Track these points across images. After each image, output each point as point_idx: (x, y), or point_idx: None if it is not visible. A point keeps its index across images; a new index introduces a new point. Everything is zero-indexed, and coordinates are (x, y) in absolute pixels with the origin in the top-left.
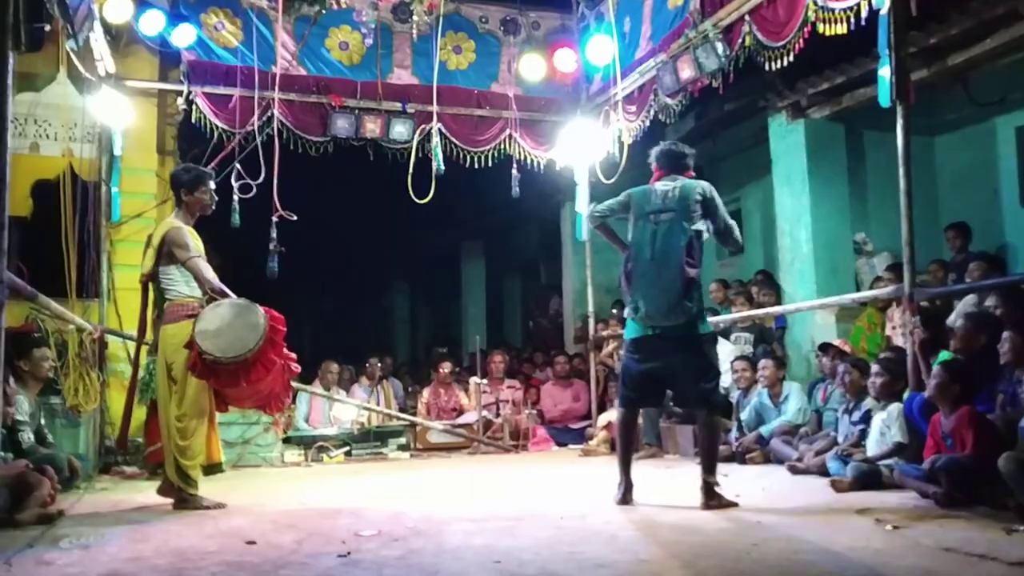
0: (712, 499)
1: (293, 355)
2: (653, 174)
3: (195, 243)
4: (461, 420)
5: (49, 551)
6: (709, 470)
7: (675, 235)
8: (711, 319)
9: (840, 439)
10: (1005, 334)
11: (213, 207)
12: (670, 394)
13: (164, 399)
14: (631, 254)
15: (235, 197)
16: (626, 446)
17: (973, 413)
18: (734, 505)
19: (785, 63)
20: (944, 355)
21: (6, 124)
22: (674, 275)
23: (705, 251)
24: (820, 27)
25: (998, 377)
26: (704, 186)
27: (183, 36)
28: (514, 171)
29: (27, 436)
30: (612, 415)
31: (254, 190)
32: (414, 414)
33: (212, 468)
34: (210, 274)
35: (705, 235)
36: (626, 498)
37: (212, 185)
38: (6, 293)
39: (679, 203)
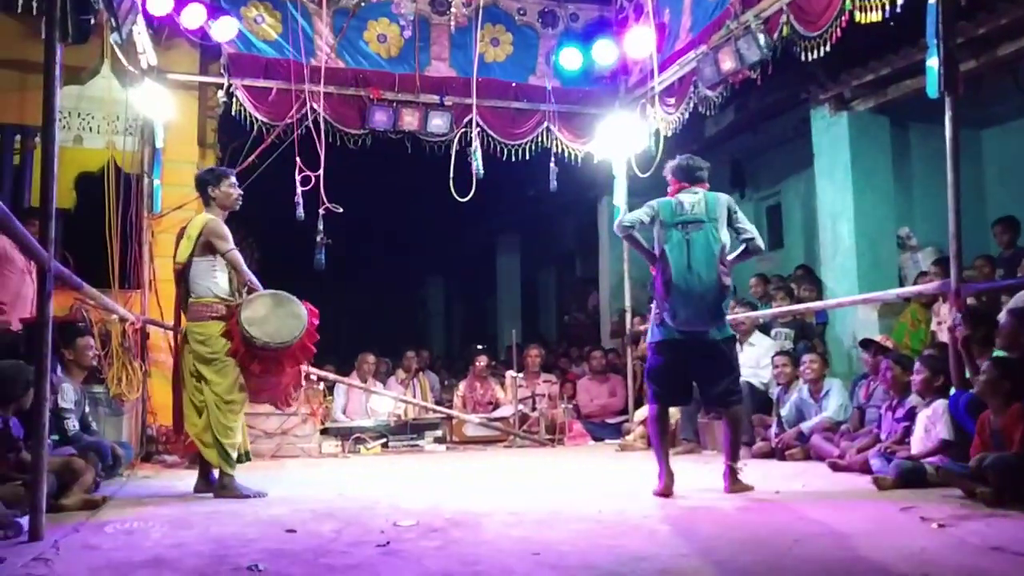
0: (736, 483)
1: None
2: (670, 186)
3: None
4: (497, 413)
5: (95, 535)
6: (733, 457)
7: (709, 244)
8: (752, 314)
9: (883, 436)
10: None
11: (240, 202)
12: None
13: (190, 390)
14: (666, 263)
15: (299, 191)
16: (662, 439)
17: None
18: (751, 488)
19: (822, 53)
20: (998, 353)
21: (54, 116)
22: (713, 283)
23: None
24: (857, 15)
25: None
26: (725, 198)
27: (224, 29)
28: (552, 164)
29: (72, 424)
30: (647, 411)
31: (313, 181)
32: (450, 407)
33: (240, 457)
34: (246, 268)
35: (728, 245)
36: (668, 489)
37: (235, 180)
38: (54, 283)
39: (707, 214)
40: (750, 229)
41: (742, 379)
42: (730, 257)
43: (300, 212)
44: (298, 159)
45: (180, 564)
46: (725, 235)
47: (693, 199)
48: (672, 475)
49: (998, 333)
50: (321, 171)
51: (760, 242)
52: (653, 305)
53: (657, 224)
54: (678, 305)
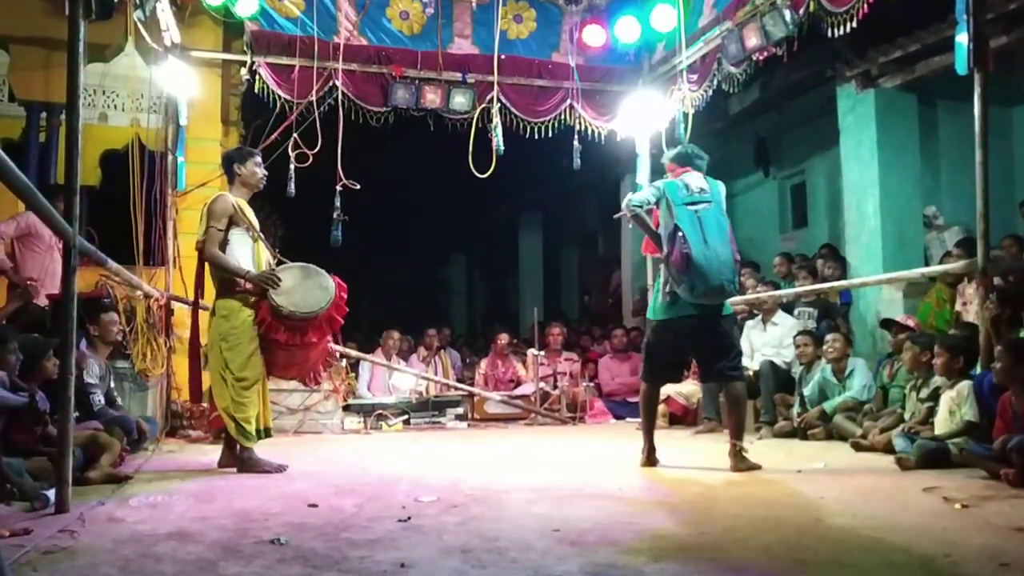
0: (742, 462)
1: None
2: (670, 173)
3: (245, 216)
4: (518, 391)
5: (120, 508)
6: (737, 436)
7: (719, 221)
8: (775, 293)
9: (907, 416)
10: None
11: (264, 181)
12: None
13: (217, 364)
14: (683, 239)
15: (291, 166)
16: (650, 415)
17: None
18: (758, 467)
19: (848, 29)
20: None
21: (78, 93)
22: (728, 258)
23: (769, 225)
24: None
25: None
26: (722, 184)
27: (246, 6)
28: (575, 142)
29: (98, 399)
30: (671, 388)
31: (310, 159)
32: (472, 385)
33: (259, 432)
34: (220, 259)
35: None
36: (650, 460)
37: (260, 160)
38: (79, 259)
39: (713, 196)
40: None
41: (765, 358)
42: None
43: (291, 188)
44: (295, 135)
45: (203, 537)
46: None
47: (696, 180)
48: (654, 449)
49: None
50: (339, 148)
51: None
52: (660, 283)
53: (664, 204)
54: (696, 279)
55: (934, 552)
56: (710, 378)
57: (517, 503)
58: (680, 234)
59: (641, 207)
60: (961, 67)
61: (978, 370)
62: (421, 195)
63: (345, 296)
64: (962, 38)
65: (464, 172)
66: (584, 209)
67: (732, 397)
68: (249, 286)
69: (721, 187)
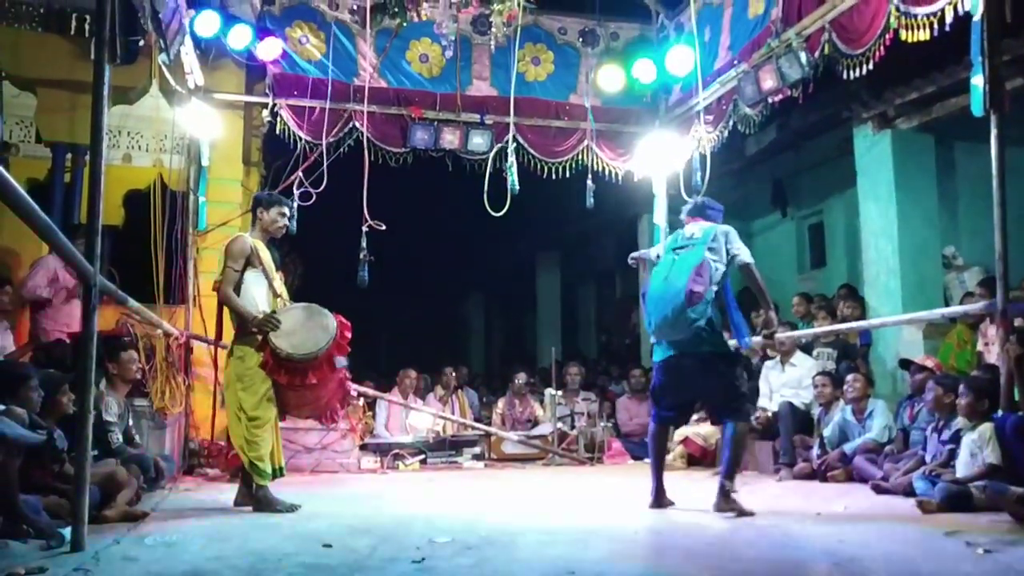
0: (726, 503)
1: (348, 373)
2: (687, 221)
3: (262, 257)
4: (536, 431)
5: (135, 547)
6: (729, 476)
7: (690, 259)
8: (793, 334)
9: (928, 458)
10: None
11: (284, 230)
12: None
13: (233, 403)
14: (649, 278)
15: (294, 204)
16: (658, 456)
17: None
18: (750, 514)
19: (864, 72)
20: None
21: (102, 135)
22: (679, 288)
23: (786, 265)
24: (903, 34)
25: None
26: (725, 228)
27: (269, 50)
28: (589, 182)
29: (116, 436)
30: (689, 430)
31: (313, 198)
32: (489, 424)
33: (274, 471)
34: (232, 300)
35: (721, 268)
36: (659, 501)
37: (287, 211)
38: (100, 297)
39: (701, 240)
40: (734, 247)
41: (784, 399)
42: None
43: (293, 226)
44: (300, 174)
45: None
46: (715, 256)
47: (695, 229)
48: (663, 491)
49: None
50: (365, 188)
51: (744, 256)
52: None
53: (664, 249)
54: (650, 313)
55: None
56: (714, 419)
57: (532, 545)
58: (651, 274)
59: (643, 256)
60: (977, 108)
61: (999, 412)
62: (439, 234)
63: (349, 335)
64: (977, 80)
65: (482, 211)
66: (602, 248)
67: (730, 435)
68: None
69: (717, 233)
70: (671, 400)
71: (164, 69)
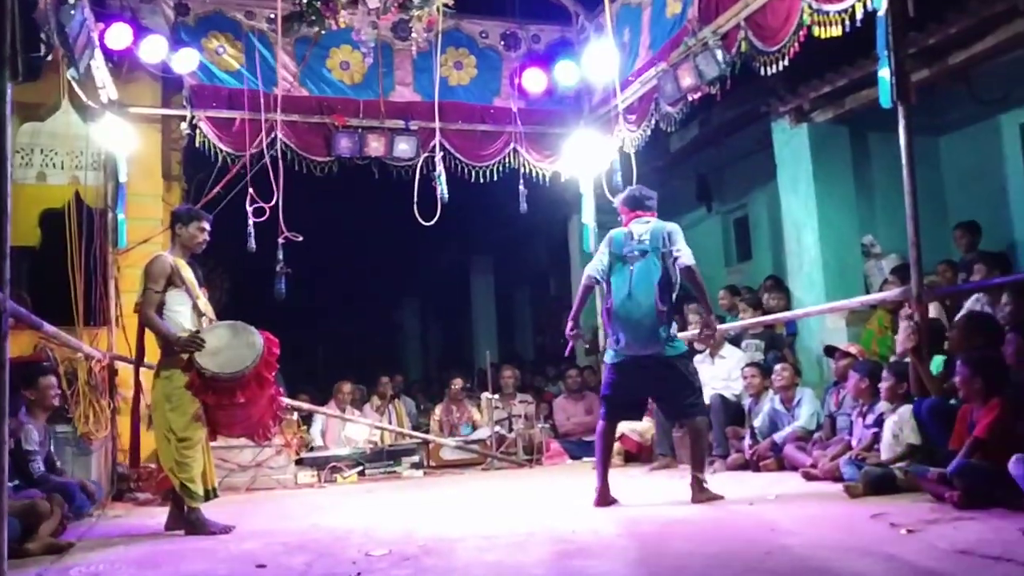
0: (702, 493)
1: (280, 389)
2: (622, 216)
3: (184, 275)
4: (474, 436)
5: None
6: (698, 468)
7: (649, 273)
8: (721, 327)
9: (854, 443)
10: (1009, 335)
11: (204, 245)
12: None
13: (161, 425)
14: (610, 292)
15: (250, 221)
16: (604, 454)
17: (1001, 404)
18: (720, 498)
19: (780, 67)
20: (937, 360)
21: (6, 154)
22: (650, 308)
23: (714, 259)
24: (815, 30)
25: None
26: (669, 226)
27: (185, 61)
28: (521, 186)
29: (37, 466)
30: (625, 427)
31: (268, 213)
32: (427, 431)
33: (207, 493)
34: (154, 323)
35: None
36: (604, 500)
37: (206, 225)
38: (9, 323)
39: (651, 243)
40: (676, 248)
41: (715, 392)
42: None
43: (252, 244)
44: (251, 189)
45: None
46: (670, 262)
47: (642, 229)
48: (608, 488)
49: (948, 337)
50: (277, 200)
51: (685, 259)
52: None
53: (610, 256)
54: (620, 330)
55: None
56: (670, 416)
57: (470, 552)
58: (609, 288)
59: (595, 278)
60: (885, 100)
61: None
62: (372, 242)
63: (277, 352)
64: (885, 73)
65: (413, 218)
66: (534, 250)
67: (692, 431)
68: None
69: (664, 231)
70: (624, 399)
71: (74, 84)
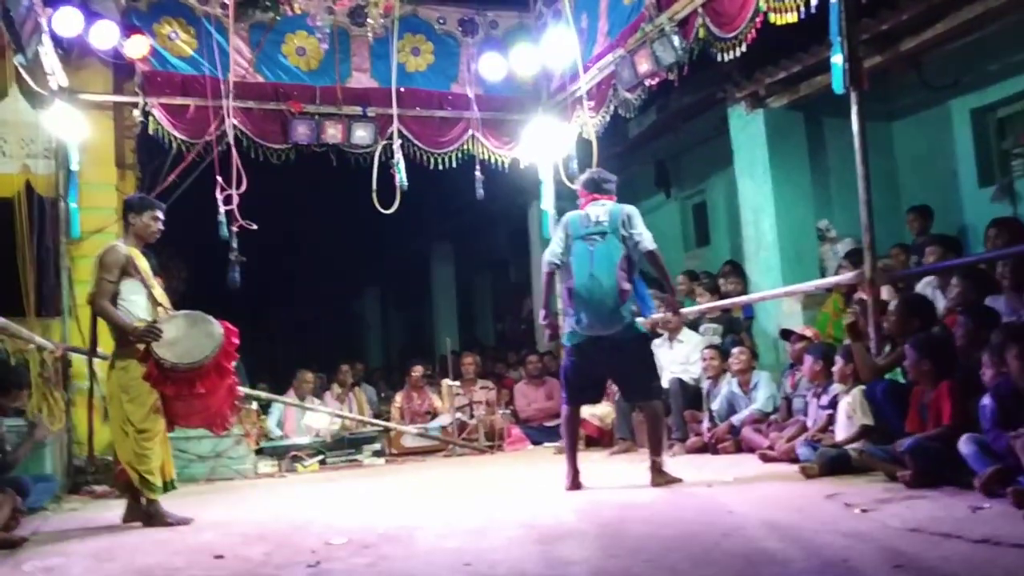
0: (660, 477)
1: (236, 378)
2: (581, 199)
3: (138, 265)
4: (435, 423)
5: (12, 574)
6: (656, 451)
7: (610, 253)
8: (684, 310)
9: (809, 424)
10: (960, 318)
11: (159, 235)
12: None
13: (118, 417)
14: (570, 273)
15: (221, 209)
16: (571, 439)
17: (952, 387)
18: (679, 480)
19: (738, 54)
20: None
21: None
22: (612, 288)
23: (673, 245)
24: (771, 17)
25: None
26: (628, 209)
27: (136, 47)
28: (477, 172)
29: None
30: (586, 412)
31: (236, 199)
32: (388, 419)
33: (166, 485)
34: (109, 313)
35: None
36: (575, 484)
37: (160, 214)
38: None
39: (610, 224)
40: (637, 232)
41: (673, 376)
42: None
43: (224, 231)
44: (219, 177)
45: None
46: (626, 245)
47: (599, 211)
48: (578, 471)
49: (887, 320)
50: (234, 188)
51: (646, 243)
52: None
53: (567, 238)
54: (581, 310)
55: (834, 558)
56: (628, 398)
57: (429, 539)
58: (569, 268)
59: (555, 263)
60: (838, 86)
61: None
62: (330, 230)
63: (236, 342)
64: (837, 59)
65: (372, 205)
66: (494, 237)
67: (649, 415)
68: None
69: (623, 213)
70: (585, 381)
71: (22, 70)
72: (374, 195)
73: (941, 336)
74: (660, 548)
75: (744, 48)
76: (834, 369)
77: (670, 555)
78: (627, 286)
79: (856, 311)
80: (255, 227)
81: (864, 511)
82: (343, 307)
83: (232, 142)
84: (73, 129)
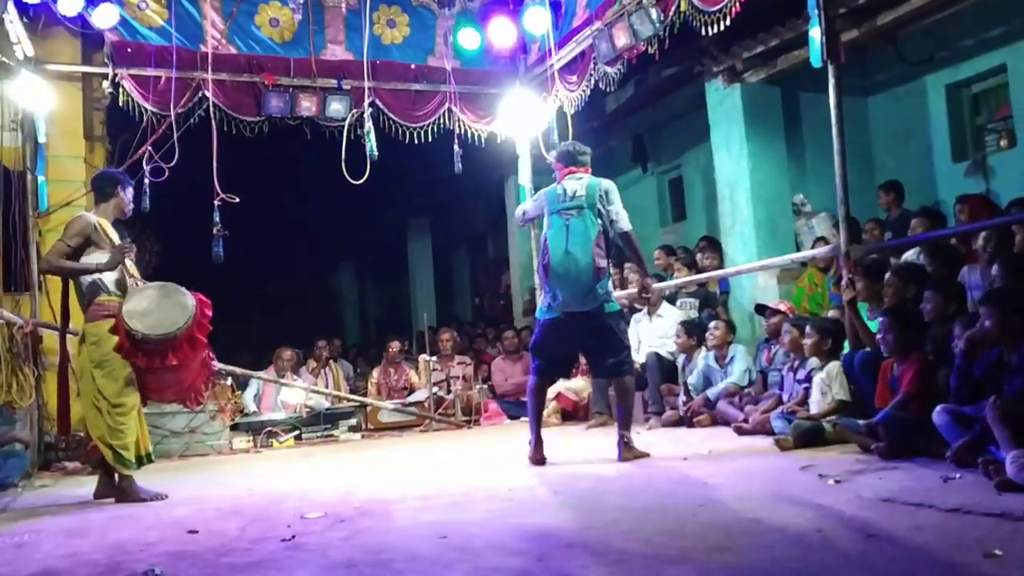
0: (629, 451)
1: (211, 352)
2: (556, 172)
3: (109, 235)
4: (412, 398)
5: None
6: (625, 426)
7: (586, 229)
8: (657, 285)
9: (785, 397)
10: (927, 293)
11: (129, 210)
12: None
13: (90, 391)
14: (546, 248)
15: (146, 181)
16: (537, 410)
17: (919, 360)
18: (646, 455)
19: (722, 27)
20: (861, 306)
21: None
22: (588, 265)
23: (650, 219)
24: None
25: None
26: (605, 183)
27: (104, 16)
28: (456, 147)
29: None
30: (561, 386)
31: (167, 174)
32: (365, 395)
33: (140, 459)
34: (61, 265)
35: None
36: (538, 455)
37: (129, 188)
38: None
39: (587, 200)
40: (614, 211)
41: (651, 350)
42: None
43: (146, 203)
44: (150, 148)
45: (72, 574)
46: (606, 219)
47: (576, 185)
48: (542, 442)
49: (884, 290)
50: (214, 161)
51: (622, 224)
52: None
53: (544, 211)
54: (557, 287)
55: (808, 528)
56: (599, 373)
57: (406, 512)
58: (545, 244)
59: (530, 220)
60: (815, 60)
61: (846, 350)
62: (306, 204)
63: (210, 313)
64: (815, 32)
65: (348, 180)
66: (472, 212)
67: (620, 390)
68: (116, 307)
69: (599, 187)
70: (556, 354)
71: None
72: (343, 164)
73: (911, 308)
74: (637, 520)
75: (728, 21)
76: (804, 343)
77: (646, 526)
78: (603, 263)
79: (849, 282)
80: (237, 200)
81: (838, 482)
82: (320, 282)
83: (210, 114)
84: (40, 100)
